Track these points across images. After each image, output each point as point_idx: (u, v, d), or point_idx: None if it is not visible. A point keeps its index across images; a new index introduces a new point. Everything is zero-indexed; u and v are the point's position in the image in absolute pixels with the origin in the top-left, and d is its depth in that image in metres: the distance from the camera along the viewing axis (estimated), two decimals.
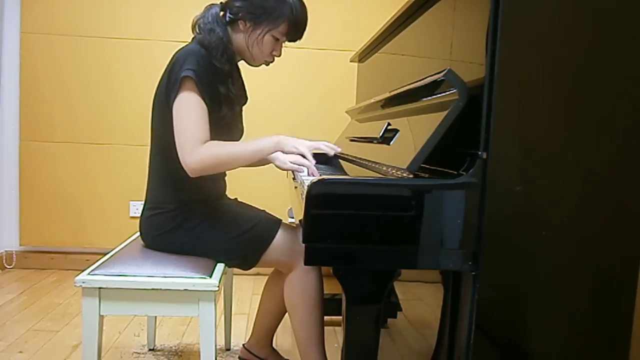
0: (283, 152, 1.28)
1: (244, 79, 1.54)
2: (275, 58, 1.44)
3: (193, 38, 1.37)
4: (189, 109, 1.26)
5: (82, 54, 2.67)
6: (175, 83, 1.26)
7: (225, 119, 1.36)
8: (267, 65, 1.44)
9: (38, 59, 2.66)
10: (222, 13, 1.37)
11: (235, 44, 1.38)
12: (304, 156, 1.26)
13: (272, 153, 1.30)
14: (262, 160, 1.40)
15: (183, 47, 1.33)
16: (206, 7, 1.39)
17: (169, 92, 1.28)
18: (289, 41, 1.41)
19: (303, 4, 1.37)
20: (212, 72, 1.30)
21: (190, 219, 1.37)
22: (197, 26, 1.36)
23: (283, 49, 1.43)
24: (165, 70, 1.33)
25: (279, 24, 1.34)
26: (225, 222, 1.39)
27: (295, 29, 1.36)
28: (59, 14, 2.64)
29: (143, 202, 1.45)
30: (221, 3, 1.39)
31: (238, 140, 1.48)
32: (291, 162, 1.26)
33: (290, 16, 1.33)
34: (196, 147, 1.25)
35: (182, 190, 1.37)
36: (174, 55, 1.32)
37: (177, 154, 1.27)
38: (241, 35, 1.37)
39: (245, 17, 1.34)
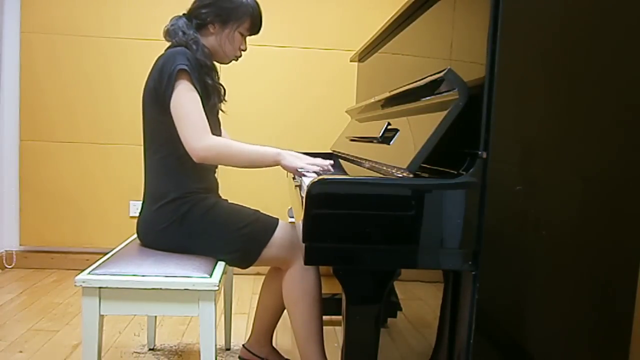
0: (281, 165, 1.38)
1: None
2: (243, 53, 1.58)
3: (168, 47, 1.45)
4: (190, 99, 1.35)
5: (82, 54, 2.67)
6: (171, 78, 1.33)
7: (215, 107, 1.49)
8: (237, 60, 1.58)
9: (38, 59, 2.66)
10: (188, 22, 1.47)
11: (207, 46, 1.48)
12: (303, 174, 1.34)
13: (271, 164, 1.40)
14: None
15: (165, 52, 1.41)
16: (172, 19, 1.48)
17: (163, 89, 1.35)
18: (250, 35, 1.56)
19: (257, 2, 1.53)
20: (198, 66, 1.41)
21: (193, 210, 1.40)
22: (168, 34, 1.46)
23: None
24: (152, 72, 1.40)
25: (243, 21, 1.49)
26: (226, 216, 1.42)
27: (255, 24, 1.53)
28: (59, 14, 2.64)
29: (141, 202, 1.46)
30: (184, 14, 1.49)
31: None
32: (307, 163, 1.36)
33: (252, 13, 1.50)
34: (204, 134, 1.34)
35: (183, 182, 1.42)
36: (158, 59, 1.40)
37: (176, 148, 1.35)
38: (211, 37, 1.49)
39: (214, 21, 1.47)
